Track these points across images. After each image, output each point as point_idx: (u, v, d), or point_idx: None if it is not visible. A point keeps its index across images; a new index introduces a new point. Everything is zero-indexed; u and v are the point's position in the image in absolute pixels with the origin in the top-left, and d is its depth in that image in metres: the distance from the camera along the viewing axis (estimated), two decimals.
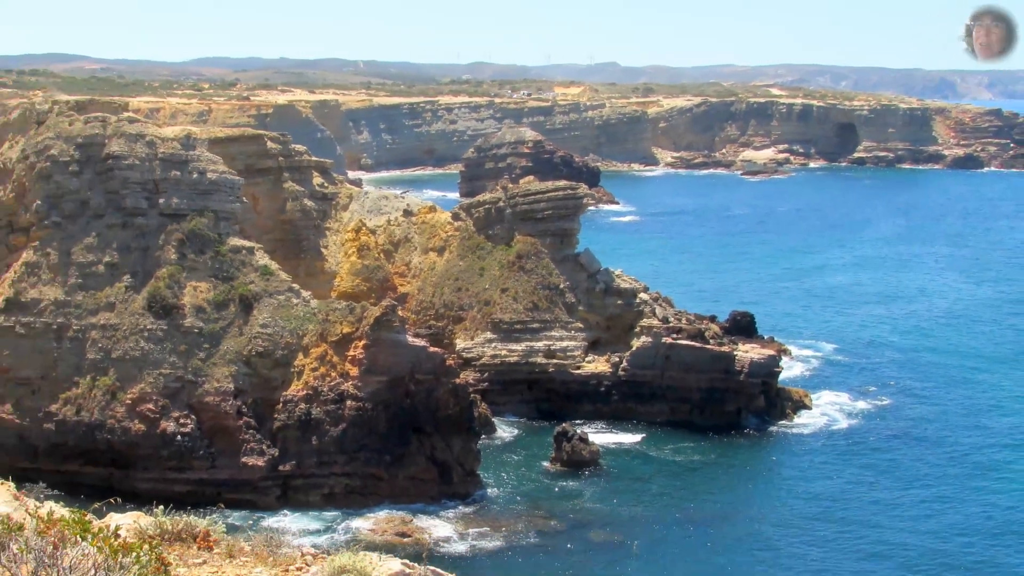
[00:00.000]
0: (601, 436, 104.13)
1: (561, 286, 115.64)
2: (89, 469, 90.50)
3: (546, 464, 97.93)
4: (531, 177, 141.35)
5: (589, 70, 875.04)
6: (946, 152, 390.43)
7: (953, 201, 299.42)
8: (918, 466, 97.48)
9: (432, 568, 18.63)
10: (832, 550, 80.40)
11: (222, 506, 75.15)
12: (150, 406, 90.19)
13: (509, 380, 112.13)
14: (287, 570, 18.22)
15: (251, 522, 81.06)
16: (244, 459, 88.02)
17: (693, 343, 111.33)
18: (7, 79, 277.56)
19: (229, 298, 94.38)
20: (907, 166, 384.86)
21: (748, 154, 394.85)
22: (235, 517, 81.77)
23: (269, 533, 20.43)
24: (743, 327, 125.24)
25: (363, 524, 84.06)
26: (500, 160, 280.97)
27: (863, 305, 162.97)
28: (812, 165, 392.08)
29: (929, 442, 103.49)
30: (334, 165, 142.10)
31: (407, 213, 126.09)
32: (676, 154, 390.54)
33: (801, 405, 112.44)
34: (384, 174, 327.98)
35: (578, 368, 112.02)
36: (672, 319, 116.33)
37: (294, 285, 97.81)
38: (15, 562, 13.98)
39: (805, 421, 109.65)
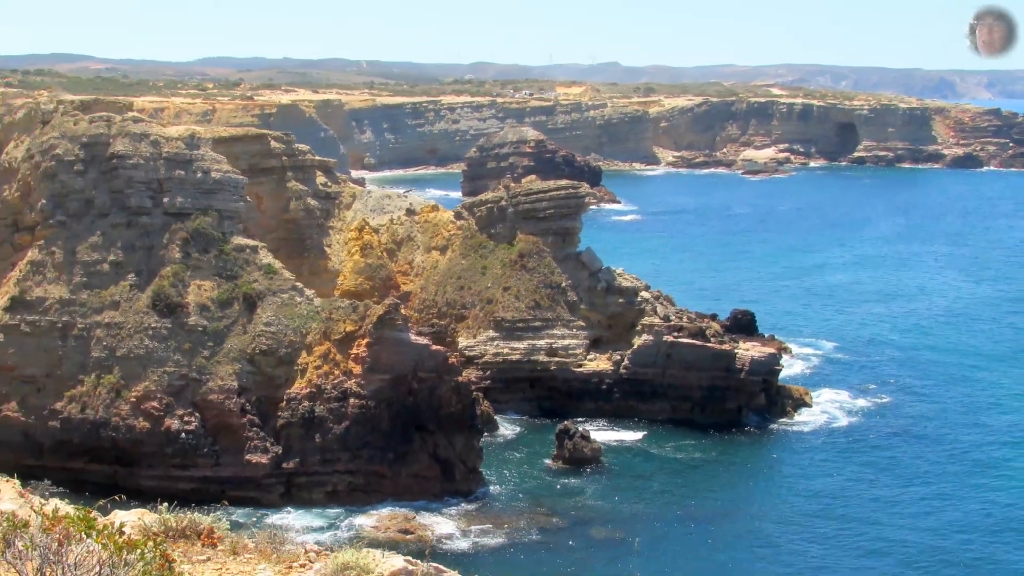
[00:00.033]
0: (602, 434, 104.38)
1: (563, 285, 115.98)
2: (94, 466, 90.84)
3: (548, 462, 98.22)
4: (533, 176, 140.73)
5: (591, 70, 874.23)
6: (945, 151, 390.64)
7: (952, 200, 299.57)
8: (918, 463, 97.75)
9: (435, 565, 18.64)
10: (832, 547, 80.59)
11: (226, 503, 74.45)
12: (154, 404, 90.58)
13: (511, 378, 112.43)
14: (291, 567, 18.30)
15: (255, 519, 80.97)
16: (248, 457, 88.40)
17: (694, 341, 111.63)
18: (12, 79, 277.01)
19: (233, 296, 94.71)
20: (907, 165, 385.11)
21: (749, 153, 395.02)
22: (239, 514, 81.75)
23: (273, 530, 20.50)
24: (744, 325, 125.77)
25: (366, 521, 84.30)
26: (502, 159, 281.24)
27: (863, 303, 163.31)
28: (812, 164, 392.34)
29: (929, 440, 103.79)
30: (337, 164, 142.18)
31: (410, 212, 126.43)
32: (677, 153, 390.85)
33: (801, 403, 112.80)
34: (387, 173, 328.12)
35: (580, 366, 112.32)
36: (673, 317, 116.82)
37: (298, 284, 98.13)
38: (20, 559, 14.05)
39: (805, 419, 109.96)
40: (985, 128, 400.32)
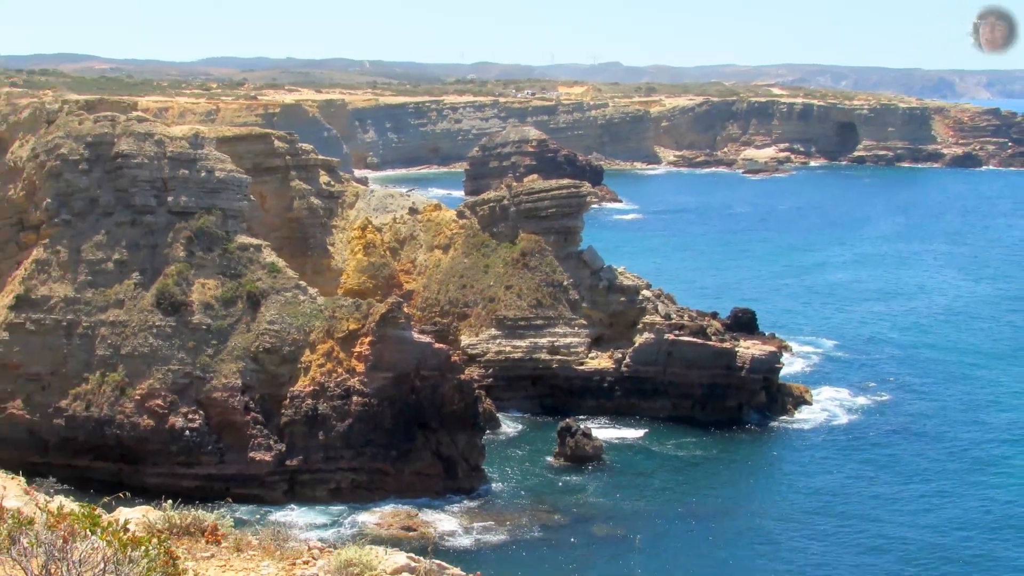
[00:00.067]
0: (604, 431, 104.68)
1: (565, 283, 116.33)
2: (99, 464, 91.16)
3: (550, 459, 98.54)
4: (535, 176, 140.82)
5: (592, 70, 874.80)
6: (945, 151, 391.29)
7: (952, 199, 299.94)
8: (917, 461, 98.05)
9: (437, 562, 18.69)
10: (832, 544, 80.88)
11: (230, 501, 73.59)
12: (159, 402, 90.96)
13: (513, 376, 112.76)
14: (294, 564, 18.36)
15: (258, 516, 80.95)
16: (252, 454, 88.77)
17: (695, 339, 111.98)
18: (18, 79, 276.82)
19: (237, 295, 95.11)
20: (906, 165, 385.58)
21: (749, 153, 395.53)
22: (243, 511, 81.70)
23: (276, 527, 20.73)
24: (744, 324, 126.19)
25: (369, 518, 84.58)
26: (504, 159, 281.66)
27: (863, 302, 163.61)
28: (812, 164, 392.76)
29: (928, 437, 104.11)
30: (340, 164, 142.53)
31: (412, 211, 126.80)
32: (678, 153, 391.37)
33: (802, 401, 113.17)
34: (390, 172, 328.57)
35: (581, 364, 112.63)
36: (674, 316, 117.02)
37: (301, 282, 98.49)
38: (25, 555, 14.06)
39: (806, 417, 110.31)
40: (984, 128, 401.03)
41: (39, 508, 17.11)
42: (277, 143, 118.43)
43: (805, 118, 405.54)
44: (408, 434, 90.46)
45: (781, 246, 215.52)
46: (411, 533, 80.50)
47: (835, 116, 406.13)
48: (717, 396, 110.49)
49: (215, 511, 20.49)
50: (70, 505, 17.95)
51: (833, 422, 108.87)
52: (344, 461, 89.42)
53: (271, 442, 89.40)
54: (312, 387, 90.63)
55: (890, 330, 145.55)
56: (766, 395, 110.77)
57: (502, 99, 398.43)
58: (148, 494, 66.04)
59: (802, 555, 79.16)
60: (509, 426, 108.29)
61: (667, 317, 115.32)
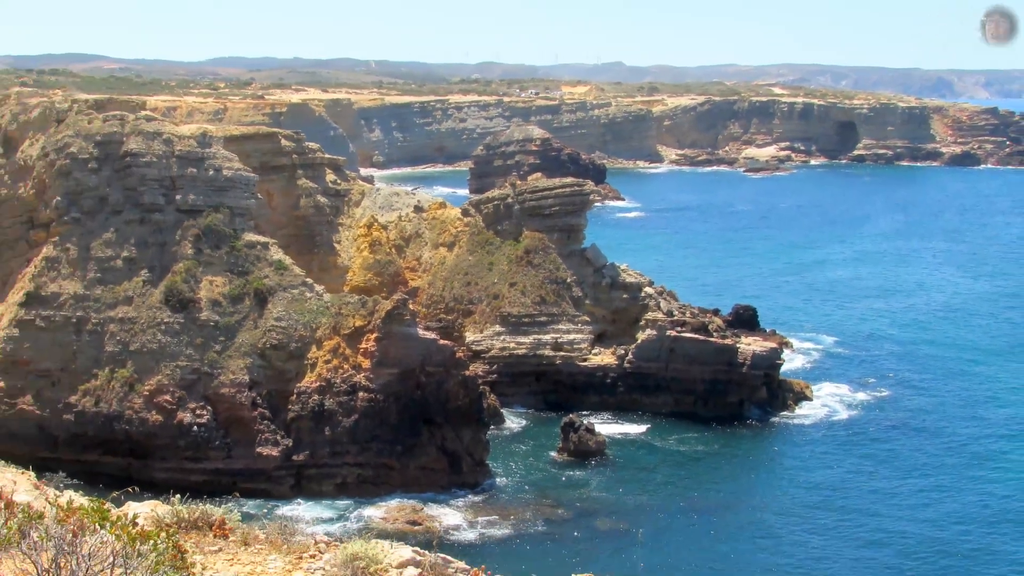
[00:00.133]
0: (607, 427, 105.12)
1: (568, 280, 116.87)
2: (108, 459, 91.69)
3: (553, 454, 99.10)
4: (539, 174, 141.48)
5: (595, 70, 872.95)
6: (944, 150, 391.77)
7: (950, 198, 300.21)
8: (916, 456, 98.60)
9: (442, 555, 18.78)
10: (832, 538, 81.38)
11: (237, 495, 75.43)
12: (167, 397, 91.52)
13: (517, 372, 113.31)
14: (301, 557, 18.38)
15: (266, 511, 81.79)
16: (259, 449, 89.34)
17: (697, 336, 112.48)
18: (28, 78, 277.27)
19: (244, 292, 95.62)
20: (906, 163, 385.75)
21: (750, 152, 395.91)
22: (250, 506, 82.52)
23: (283, 521, 20.57)
24: (746, 320, 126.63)
25: (375, 512, 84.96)
26: (508, 157, 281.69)
27: (863, 299, 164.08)
28: (813, 162, 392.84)
29: (927, 432, 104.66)
30: (346, 162, 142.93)
31: (418, 209, 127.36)
32: (680, 152, 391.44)
33: (802, 396, 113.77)
34: (395, 171, 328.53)
35: (584, 360, 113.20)
36: (676, 312, 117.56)
37: (308, 279, 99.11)
38: (35, 549, 13.99)
39: (806, 412, 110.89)
40: (983, 127, 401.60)
41: (49, 503, 17.39)
42: (284, 142, 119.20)
43: (806, 117, 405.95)
44: (413, 429, 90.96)
45: (782, 244, 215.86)
46: (416, 527, 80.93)
47: (835, 115, 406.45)
48: (719, 392, 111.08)
49: (223, 505, 20.60)
50: (79, 500, 17.96)
51: (833, 418, 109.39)
52: (350, 456, 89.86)
53: (278, 437, 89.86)
54: (318, 383, 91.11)
55: (889, 327, 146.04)
56: (767, 391, 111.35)
57: (506, 99, 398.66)
58: (156, 489, 66.51)
59: (803, 549, 79.55)
60: (513, 421, 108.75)
61: (669, 314, 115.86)
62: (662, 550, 78.87)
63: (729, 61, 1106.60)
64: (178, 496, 20.57)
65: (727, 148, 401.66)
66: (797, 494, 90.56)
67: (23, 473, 23.65)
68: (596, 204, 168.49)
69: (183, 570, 15.13)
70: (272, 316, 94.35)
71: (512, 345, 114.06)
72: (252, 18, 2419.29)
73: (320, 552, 18.54)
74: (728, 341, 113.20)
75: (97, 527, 14.80)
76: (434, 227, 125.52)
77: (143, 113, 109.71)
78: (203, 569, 16.94)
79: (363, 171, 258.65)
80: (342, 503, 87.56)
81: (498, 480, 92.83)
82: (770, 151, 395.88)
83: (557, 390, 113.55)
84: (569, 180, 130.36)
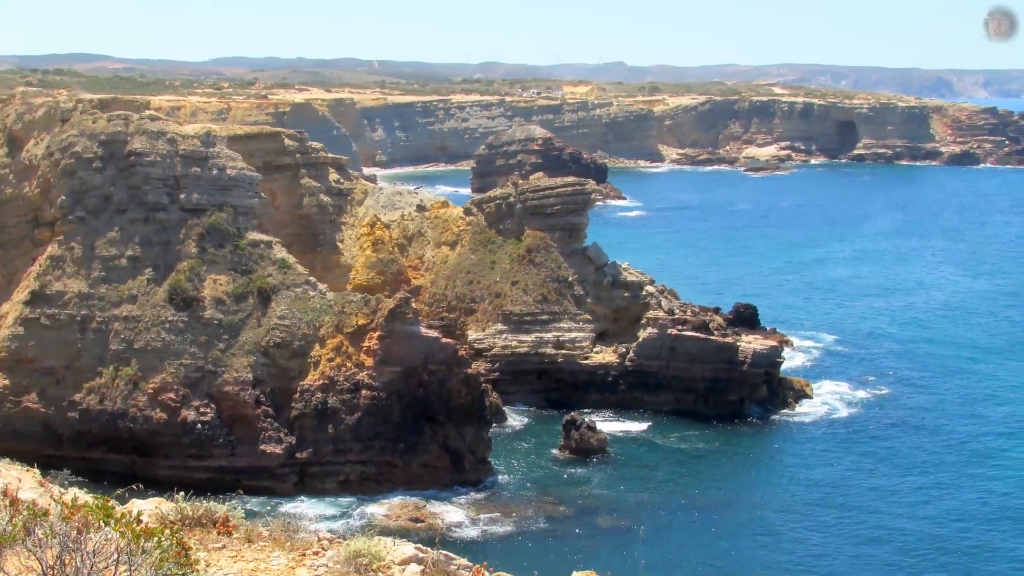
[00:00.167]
0: (608, 424, 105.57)
1: (570, 279, 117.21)
2: (112, 456, 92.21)
3: (555, 452, 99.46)
4: (540, 173, 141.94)
5: (597, 70, 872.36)
6: (943, 149, 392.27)
7: (950, 197, 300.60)
8: (916, 454, 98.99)
9: (444, 552, 18.87)
10: (832, 535, 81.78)
11: (241, 492, 74.61)
12: (171, 395, 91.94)
13: (519, 370, 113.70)
14: (304, 554, 18.39)
15: (269, 508, 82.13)
16: (262, 447, 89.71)
17: (698, 334, 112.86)
18: (33, 78, 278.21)
19: (248, 290, 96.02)
20: (905, 163, 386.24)
21: (751, 151, 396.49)
22: (253, 503, 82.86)
23: (286, 519, 20.69)
24: (746, 319, 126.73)
25: (378, 510, 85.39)
26: (510, 157, 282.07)
27: (862, 297, 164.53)
28: (813, 162, 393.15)
29: (927, 430, 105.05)
30: (349, 162, 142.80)
31: (420, 208, 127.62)
32: (681, 151, 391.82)
33: (802, 394, 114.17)
34: (398, 170, 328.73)
35: (586, 358, 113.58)
36: (677, 311, 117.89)
37: (311, 278, 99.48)
38: (40, 546, 14.06)
39: (806, 410, 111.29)
40: (982, 126, 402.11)
41: (54, 500, 17.58)
42: (287, 141, 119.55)
43: (806, 117, 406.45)
44: (416, 427, 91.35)
45: (782, 243, 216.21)
46: (419, 524, 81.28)
47: (835, 115, 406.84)
48: (719, 390, 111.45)
49: (226, 503, 20.54)
50: (84, 497, 18.15)
51: (833, 415, 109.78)
52: (353, 454, 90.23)
53: (281, 435, 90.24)
54: (322, 381, 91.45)
55: (889, 325, 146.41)
56: (767, 389, 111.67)
57: (508, 98, 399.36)
58: (160, 486, 67.22)
59: (803, 546, 79.92)
60: (515, 419, 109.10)
61: (670, 312, 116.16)
62: (663, 547, 79.13)
63: (730, 61, 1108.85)
64: (182, 493, 20.66)
65: (728, 147, 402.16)
66: (797, 491, 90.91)
67: (28, 470, 23.92)
68: (597, 203, 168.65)
69: (187, 567, 15.17)
70: (275, 314, 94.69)
71: (514, 343, 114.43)
72: (256, 18, 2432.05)
73: (323, 549, 18.59)
74: (729, 339, 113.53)
75: (101, 524, 14.81)
76: (436, 226, 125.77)
77: (147, 113, 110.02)
78: (207, 566, 16.96)
79: (366, 170, 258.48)
80: (345, 500, 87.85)
81: (500, 477, 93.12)
82: (770, 150, 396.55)
83: (559, 388, 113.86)
84: (571, 179, 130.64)
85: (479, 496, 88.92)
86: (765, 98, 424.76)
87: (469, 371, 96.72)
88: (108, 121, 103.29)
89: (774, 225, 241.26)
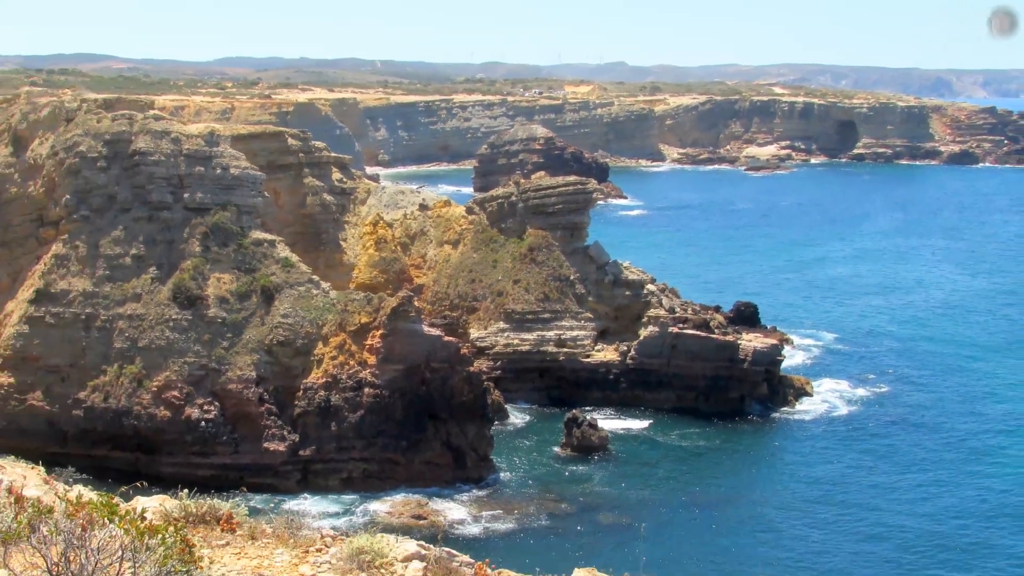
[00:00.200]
0: (610, 422, 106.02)
1: (571, 278, 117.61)
2: (116, 454, 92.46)
3: (557, 449, 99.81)
4: (542, 173, 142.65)
5: (598, 69, 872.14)
6: (942, 148, 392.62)
7: (949, 196, 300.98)
8: (915, 451, 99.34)
9: (447, 549, 18.88)
10: (832, 532, 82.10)
11: (244, 490, 74.94)
12: (175, 393, 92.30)
13: (521, 368, 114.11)
14: (307, 551, 18.45)
15: (272, 505, 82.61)
16: (266, 444, 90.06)
17: (698, 332, 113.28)
18: (38, 78, 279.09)
19: (251, 289, 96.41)
20: (905, 162, 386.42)
21: (751, 150, 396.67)
22: (257, 500, 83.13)
23: (290, 516, 20.97)
24: (747, 317, 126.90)
25: (380, 507, 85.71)
26: (512, 156, 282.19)
27: (862, 296, 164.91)
28: (813, 161, 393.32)
29: (926, 428, 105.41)
30: (352, 161, 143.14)
31: (423, 207, 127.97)
32: (682, 150, 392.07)
33: (802, 392, 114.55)
34: (400, 170, 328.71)
35: (588, 357, 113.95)
36: (678, 309, 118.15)
37: (314, 277, 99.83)
38: (45, 543, 14.12)
39: (806, 408, 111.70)
40: (981, 126, 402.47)
41: (58, 497, 17.70)
42: (291, 141, 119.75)
43: (806, 116, 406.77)
44: (418, 425, 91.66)
45: (782, 241, 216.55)
46: (421, 521, 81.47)
47: (835, 115, 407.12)
48: (720, 388, 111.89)
49: (230, 500, 20.65)
50: (88, 494, 18.27)
51: (833, 413, 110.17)
52: (356, 451, 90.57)
53: (285, 432, 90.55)
54: (325, 379, 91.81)
55: (889, 323, 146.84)
56: (768, 387, 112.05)
57: (510, 98, 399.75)
58: (164, 483, 66.97)
59: (803, 543, 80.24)
60: (517, 417, 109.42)
61: (671, 311, 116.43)
62: (664, 544, 79.31)
63: (730, 61, 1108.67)
64: (186, 491, 20.76)
65: (728, 147, 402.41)
66: (797, 489, 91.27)
67: (33, 468, 24.37)
68: (599, 202, 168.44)
69: (191, 564, 15.21)
70: (279, 313, 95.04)
71: (516, 341, 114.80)
72: (259, 19, 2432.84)
73: (326, 546, 18.70)
74: (729, 338, 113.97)
75: (106, 521, 14.83)
76: (439, 225, 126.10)
77: (151, 112, 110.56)
78: (210, 563, 16.98)
79: (369, 170, 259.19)
80: (348, 498, 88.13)
81: (502, 475, 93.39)
82: (771, 150, 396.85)
83: (560, 386, 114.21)
84: (572, 179, 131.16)
85: (481, 493, 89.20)
86: (765, 98, 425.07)
87: (471, 369, 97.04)
88: (112, 121, 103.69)
89: (774, 224, 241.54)
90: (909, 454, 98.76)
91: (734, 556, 79.06)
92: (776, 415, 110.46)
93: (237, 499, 21.67)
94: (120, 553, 14.04)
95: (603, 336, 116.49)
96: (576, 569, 19.84)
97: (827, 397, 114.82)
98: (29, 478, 22.33)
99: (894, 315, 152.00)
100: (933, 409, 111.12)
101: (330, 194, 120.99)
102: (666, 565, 74.71)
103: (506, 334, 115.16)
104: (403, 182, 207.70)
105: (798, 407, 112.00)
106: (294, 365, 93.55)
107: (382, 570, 17.64)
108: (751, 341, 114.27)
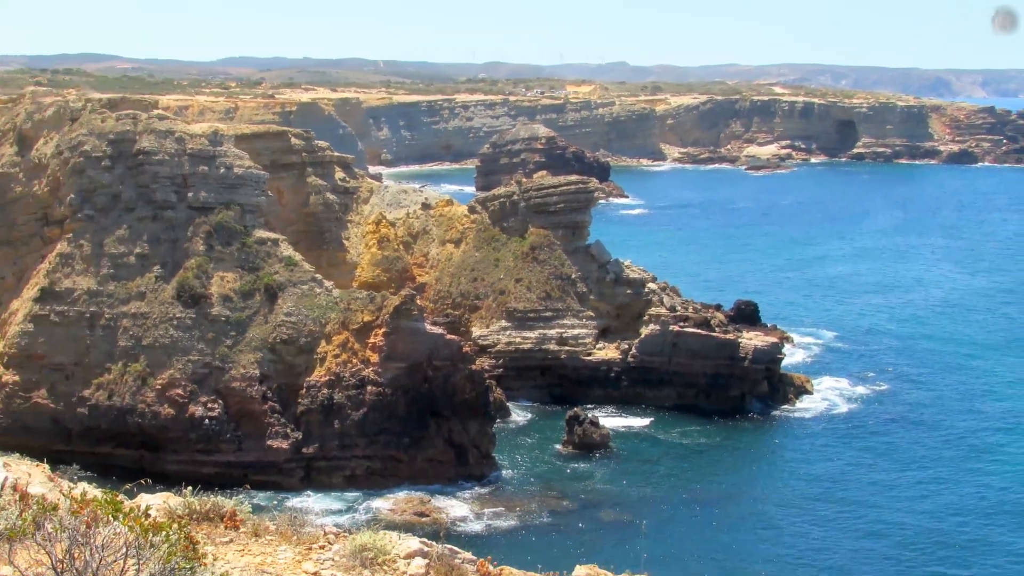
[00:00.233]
0: (611, 420, 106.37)
1: (573, 276, 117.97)
2: (121, 452, 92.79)
3: (558, 447, 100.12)
4: (544, 172, 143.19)
5: (600, 69, 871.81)
6: (942, 148, 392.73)
7: (948, 195, 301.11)
8: (915, 449, 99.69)
9: (449, 546, 18.95)
10: (832, 529, 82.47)
11: (248, 487, 73.98)
12: (179, 391, 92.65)
13: (523, 366, 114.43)
14: (310, 548, 18.55)
15: (276, 503, 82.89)
16: (269, 442, 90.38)
17: (699, 331, 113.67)
18: (42, 78, 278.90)
19: (255, 288, 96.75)
20: (904, 161, 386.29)
21: (752, 150, 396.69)
22: (260, 498, 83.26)
23: (293, 513, 20.94)
24: (747, 315, 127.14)
25: (383, 504, 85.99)
26: (514, 155, 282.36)
27: (862, 294, 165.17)
28: (813, 160, 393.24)
29: (925, 426, 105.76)
30: (355, 160, 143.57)
31: (425, 206, 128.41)
32: (683, 150, 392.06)
33: (803, 390, 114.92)
34: (403, 169, 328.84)
35: (589, 355, 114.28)
36: (679, 308, 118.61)
37: (317, 275, 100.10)
38: (50, 540, 14.12)
39: (806, 405, 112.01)
40: (980, 125, 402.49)
41: (63, 494, 17.57)
42: (294, 140, 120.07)
43: (806, 116, 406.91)
44: (421, 422, 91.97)
45: (783, 240, 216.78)
46: (424, 519, 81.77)
47: (835, 114, 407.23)
48: (721, 386, 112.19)
49: (234, 497, 20.74)
50: (93, 491, 18.19)
51: (833, 411, 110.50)
52: (359, 449, 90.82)
53: (288, 430, 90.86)
54: (328, 377, 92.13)
55: (888, 322, 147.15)
56: (768, 385, 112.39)
57: (512, 98, 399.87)
58: (168, 481, 66.89)
59: (803, 540, 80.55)
60: (519, 415, 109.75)
61: (672, 309, 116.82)
62: (665, 541, 79.63)
63: (731, 61, 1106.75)
64: (190, 488, 20.76)
65: (729, 146, 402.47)
66: (798, 486, 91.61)
67: (38, 465, 24.52)
68: (600, 201, 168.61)
69: (194, 561, 15.24)
70: (282, 311, 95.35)
71: (518, 340, 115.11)
72: (262, 19, 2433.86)
73: (329, 543, 18.78)
74: (730, 336, 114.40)
75: (110, 518, 14.88)
76: (441, 224, 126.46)
77: (155, 112, 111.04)
78: (214, 560, 16.99)
79: (371, 169, 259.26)
80: (351, 495, 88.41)
81: (504, 472, 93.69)
82: (771, 149, 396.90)
83: (562, 384, 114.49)
84: (574, 178, 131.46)
85: (483, 491, 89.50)
86: (766, 97, 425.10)
87: (473, 367, 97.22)
88: (117, 120, 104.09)
89: (775, 223, 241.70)
90: (909, 452, 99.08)
91: (735, 553, 79.28)
92: (776, 413, 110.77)
93: (241, 496, 21.79)
94: (124, 550, 14.10)
95: (604, 334, 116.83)
96: (578, 566, 20.00)
97: (827, 395, 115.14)
98: (34, 475, 22.53)
99: (894, 313, 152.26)
100: (932, 407, 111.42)
101: (333, 193, 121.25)
102: (667, 562, 74.88)
103: (508, 332, 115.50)
104: (406, 181, 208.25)
105: (798, 405, 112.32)
106: (297, 363, 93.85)
107: (385, 567, 17.77)
108: (751, 339, 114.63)
